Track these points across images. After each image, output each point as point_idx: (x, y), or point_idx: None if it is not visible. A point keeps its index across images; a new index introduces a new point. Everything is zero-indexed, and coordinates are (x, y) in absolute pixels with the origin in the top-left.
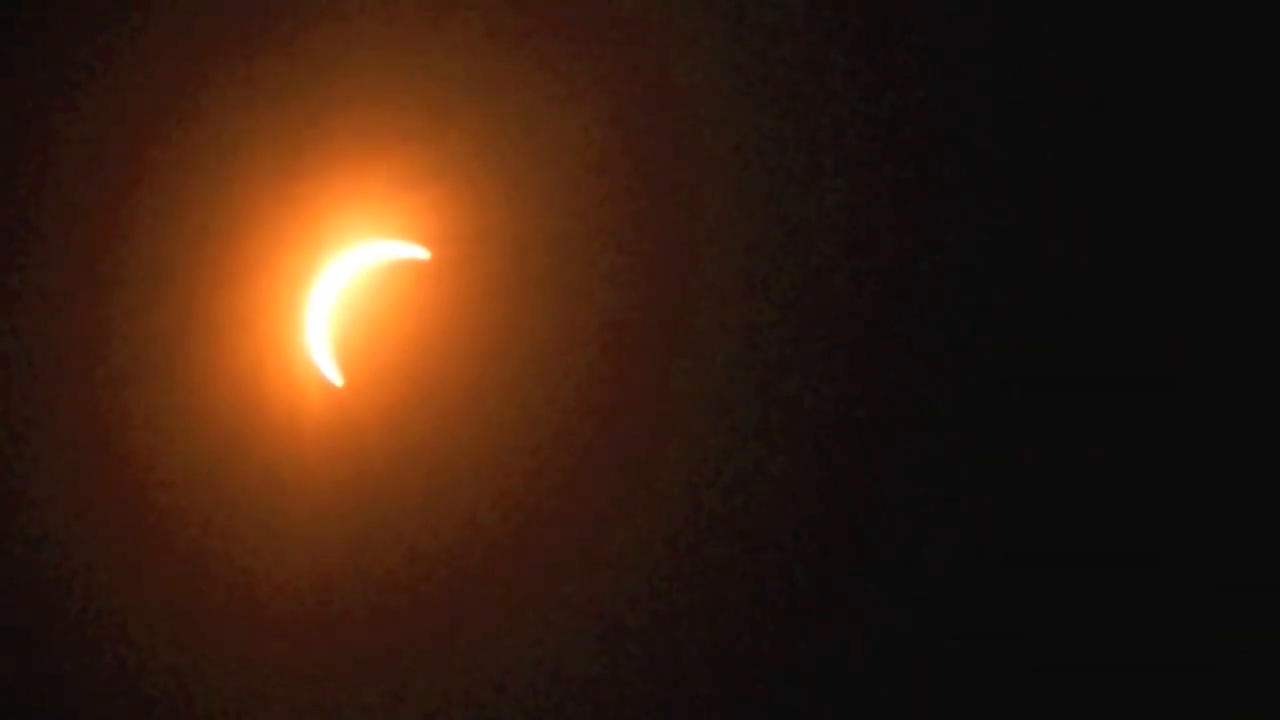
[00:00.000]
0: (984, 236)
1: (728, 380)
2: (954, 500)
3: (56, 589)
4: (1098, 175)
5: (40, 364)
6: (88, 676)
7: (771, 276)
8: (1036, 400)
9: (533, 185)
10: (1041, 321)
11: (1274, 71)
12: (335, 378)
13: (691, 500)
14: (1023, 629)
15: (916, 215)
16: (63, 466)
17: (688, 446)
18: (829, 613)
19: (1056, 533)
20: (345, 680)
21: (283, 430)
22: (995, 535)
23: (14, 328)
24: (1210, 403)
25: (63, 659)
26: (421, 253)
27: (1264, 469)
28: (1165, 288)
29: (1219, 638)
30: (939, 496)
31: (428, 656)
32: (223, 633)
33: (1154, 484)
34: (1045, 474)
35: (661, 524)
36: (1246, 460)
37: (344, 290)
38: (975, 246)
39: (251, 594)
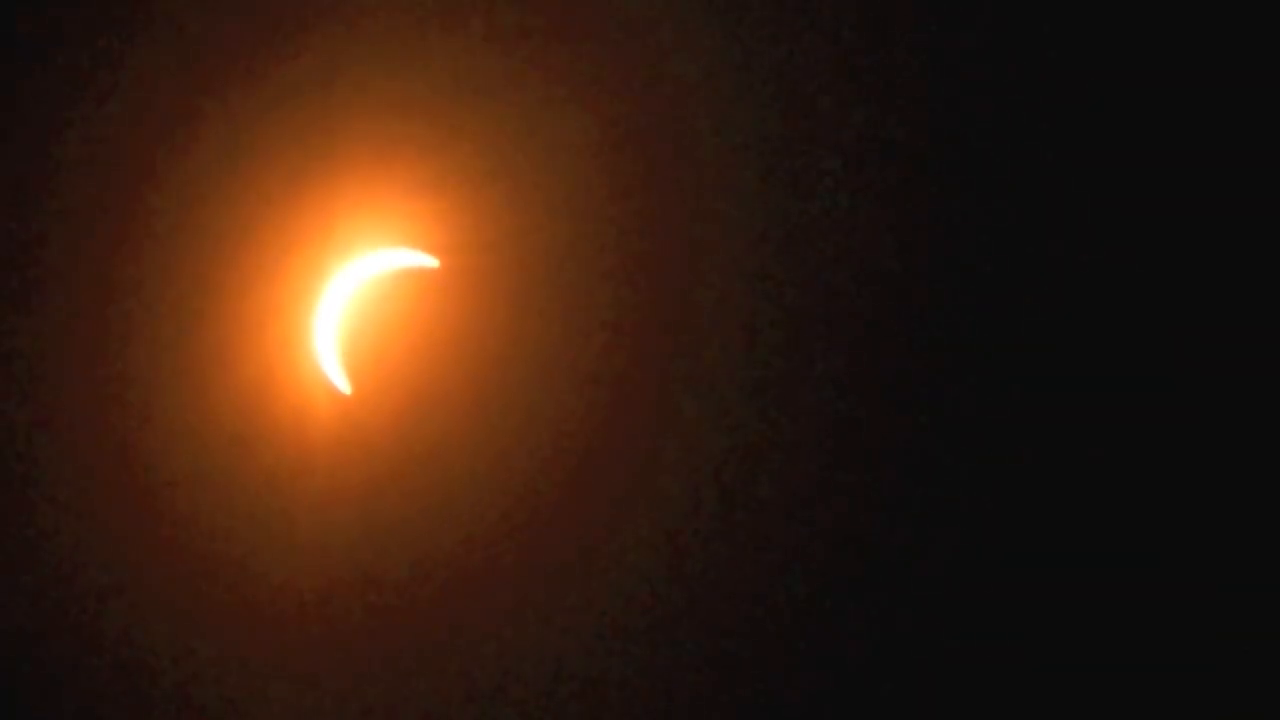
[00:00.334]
0: (984, 236)
1: (736, 388)
2: (954, 500)
3: (65, 592)
4: (1098, 175)
5: (50, 369)
6: (95, 678)
7: (781, 283)
8: (1036, 400)
9: (541, 194)
10: (1042, 321)
11: (1274, 71)
12: (343, 385)
13: (698, 506)
14: (1023, 629)
15: (917, 215)
16: (73, 471)
17: (695, 454)
18: (831, 613)
19: (1056, 533)
20: (352, 684)
21: (290, 437)
22: (995, 535)
23: (24, 332)
24: (1210, 403)
25: (70, 661)
26: (430, 261)
27: (1264, 469)
28: (1165, 288)
29: (1219, 638)
30: (939, 497)
31: (434, 661)
32: (231, 637)
33: (1154, 484)
34: (1045, 474)
35: (668, 529)
36: (1246, 460)
37: (352, 298)
38: (975, 246)
39: (259, 599)
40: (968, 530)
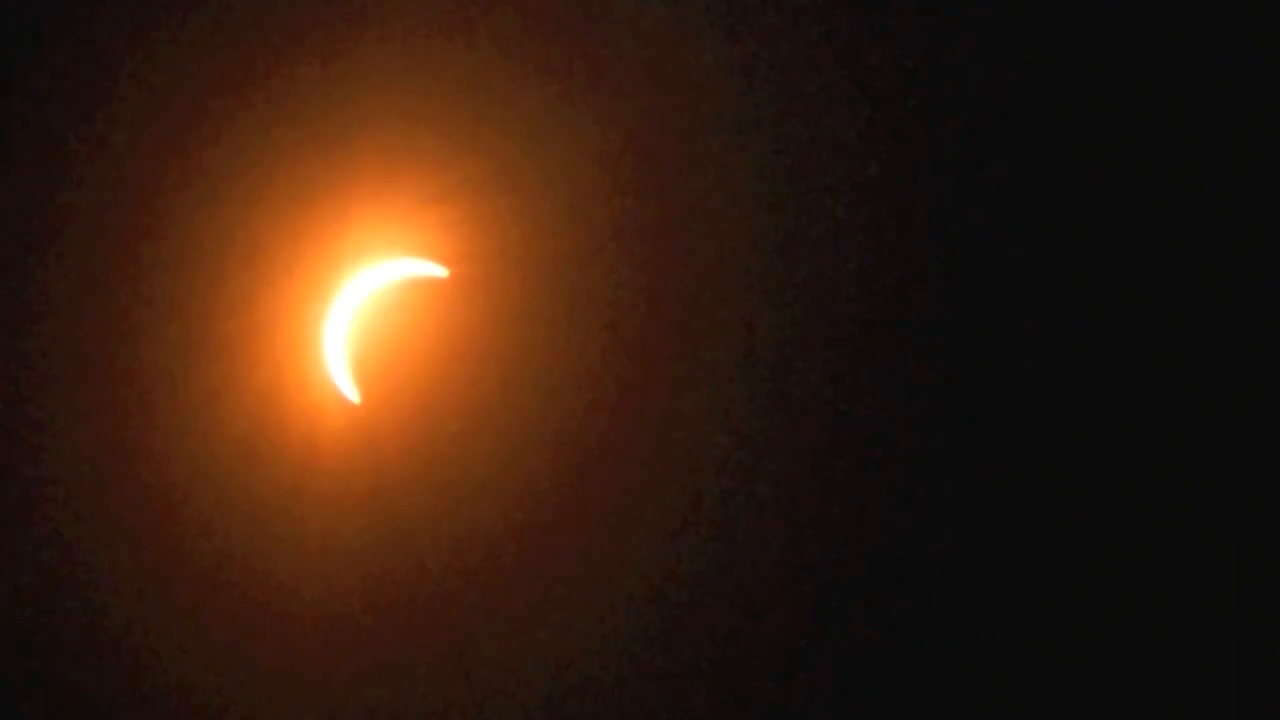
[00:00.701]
0: (985, 236)
1: (747, 397)
2: (955, 500)
3: (74, 596)
4: (1100, 175)
5: (60, 376)
6: (105, 683)
7: (792, 292)
8: (1037, 400)
9: (550, 204)
10: (1043, 321)
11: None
12: (352, 394)
13: (704, 513)
14: (1023, 629)
15: (918, 216)
16: (82, 477)
17: (704, 463)
18: (833, 613)
19: (1056, 533)
20: (360, 689)
21: (299, 446)
22: (996, 535)
23: (33, 338)
24: (1211, 402)
25: (81, 665)
26: (439, 270)
27: (1264, 469)
28: (1166, 288)
29: (1219, 637)
30: (940, 497)
31: (441, 665)
32: (240, 643)
33: (1154, 484)
34: (1046, 474)
35: (674, 534)
36: (1247, 460)
37: (361, 307)
38: (976, 246)
39: (268, 605)
40: (968, 530)
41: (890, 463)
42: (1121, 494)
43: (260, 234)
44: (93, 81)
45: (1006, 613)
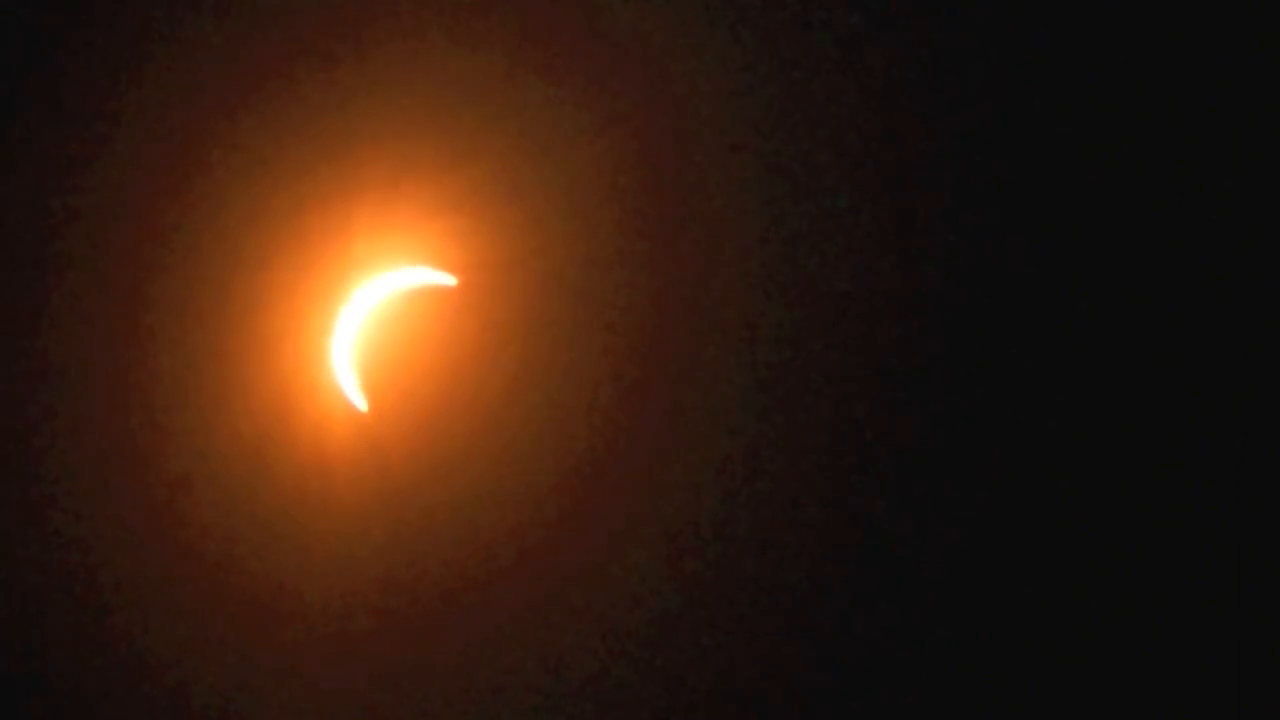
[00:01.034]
0: (985, 236)
1: (756, 404)
2: (955, 500)
3: (87, 602)
4: (1099, 175)
5: (71, 385)
6: (112, 685)
7: (801, 299)
8: (1037, 400)
9: (558, 213)
10: (1043, 321)
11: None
12: (360, 402)
13: (711, 521)
14: (1023, 629)
15: (919, 217)
16: (94, 484)
17: (714, 470)
18: (835, 615)
19: (1056, 533)
20: (366, 693)
21: (308, 453)
22: (996, 535)
23: (44, 347)
24: (1210, 402)
25: (88, 668)
26: (447, 279)
27: (1264, 469)
28: (1165, 288)
29: (1219, 637)
30: (940, 497)
31: (448, 670)
32: (247, 647)
33: (1154, 483)
34: (1046, 474)
35: (680, 540)
36: (1247, 460)
37: (370, 316)
38: (976, 246)
39: (277, 612)
40: (969, 530)
41: (890, 462)
42: (1121, 494)
43: (269, 243)
44: (102, 92)
45: (1006, 612)
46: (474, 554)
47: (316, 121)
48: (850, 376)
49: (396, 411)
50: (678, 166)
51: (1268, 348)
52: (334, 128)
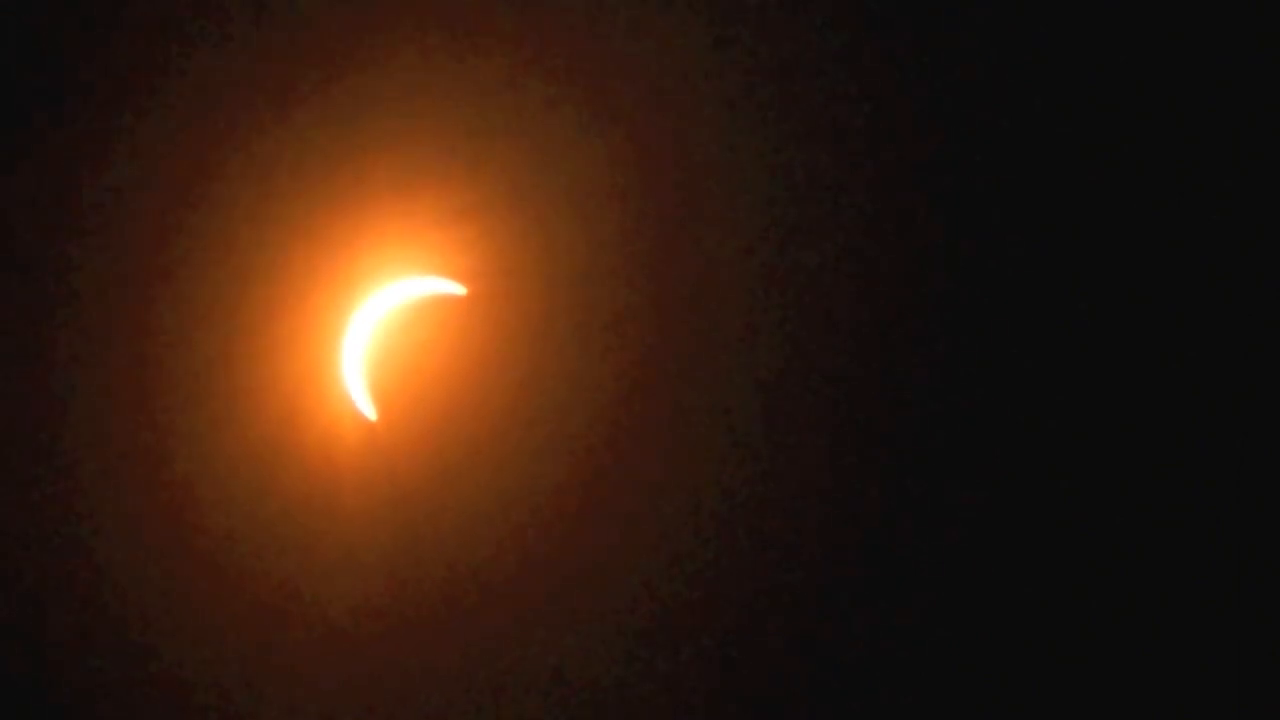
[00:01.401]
0: (985, 236)
1: (762, 410)
2: (955, 500)
3: (98, 607)
4: (1099, 175)
5: (82, 392)
6: (120, 687)
7: (810, 307)
8: (1037, 400)
9: (566, 222)
10: (1043, 321)
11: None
12: (369, 411)
13: (717, 529)
14: (1023, 629)
15: (920, 218)
16: (105, 491)
17: (720, 477)
18: (838, 615)
19: (1057, 533)
20: (373, 696)
21: (317, 461)
22: (996, 535)
23: (56, 355)
24: (1210, 402)
25: (96, 670)
26: (456, 288)
27: (1264, 469)
28: (1165, 289)
29: (1219, 637)
30: (940, 496)
31: (455, 674)
32: (257, 651)
33: (1154, 484)
34: (1045, 474)
35: (685, 546)
36: (1247, 460)
37: (379, 325)
38: (977, 246)
39: (286, 618)
40: (969, 529)
41: (890, 462)
42: (1121, 494)
43: (279, 252)
44: (115, 101)
45: (1006, 612)
46: (481, 560)
47: (327, 131)
48: (850, 376)
49: (405, 420)
50: (688, 177)
51: (1268, 348)
52: (345, 137)
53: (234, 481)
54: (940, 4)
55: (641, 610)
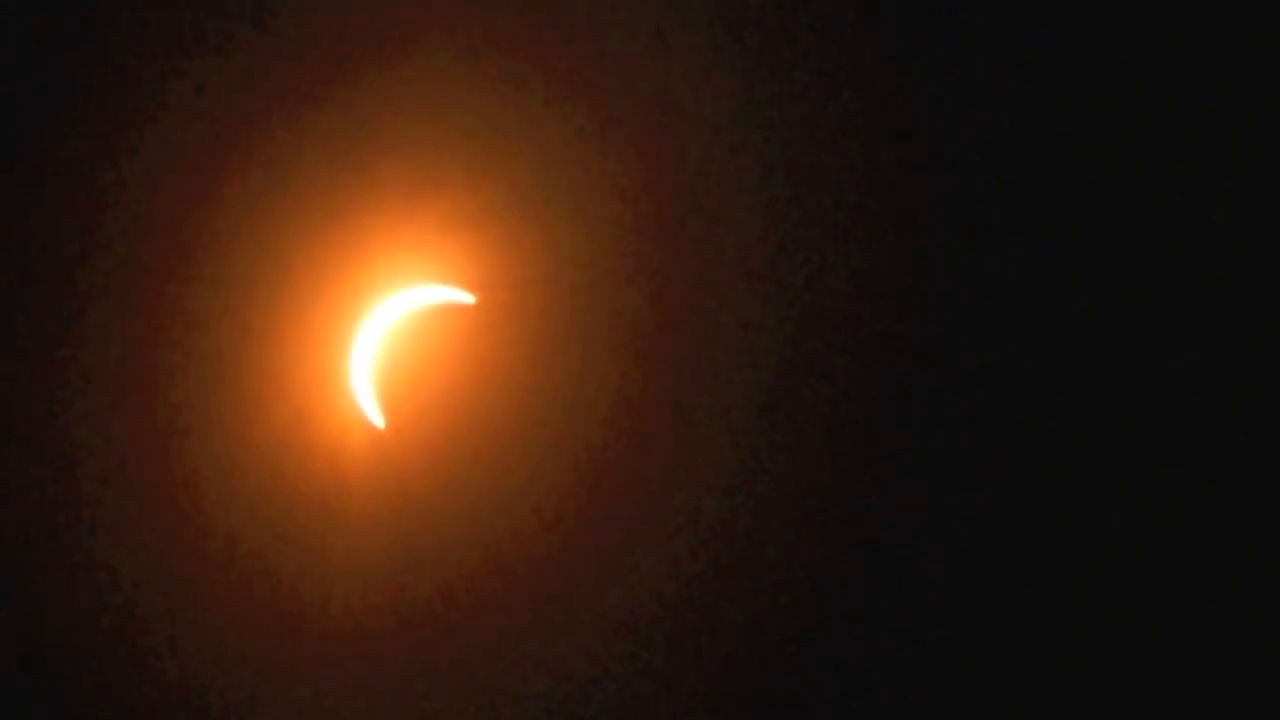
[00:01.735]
0: (985, 236)
1: (771, 421)
2: (955, 500)
3: (108, 614)
4: (1099, 175)
5: (90, 398)
6: (129, 690)
7: (817, 314)
8: (1037, 400)
9: (574, 231)
10: (1042, 321)
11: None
12: (377, 420)
13: (722, 538)
14: (1022, 629)
15: (920, 216)
16: (113, 496)
17: (727, 487)
18: (840, 616)
19: (1056, 533)
20: (382, 707)
21: (325, 469)
22: (995, 535)
23: (64, 362)
24: (1210, 402)
25: (103, 672)
26: (465, 297)
27: (1264, 469)
28: (1165, 288)
29: (1219, 637)
30: (940, 497)
31: (463, 685)
32: (265, 656)
33: (1154, 484)
34: (1045, 474)
35: (694, 556)
36: (1247, 460)
37: (388, 334)
38: (977, 246)
39: (294, 625)
40: (969, 529)
41: (890, 462)
42: (1121, 494)
43: (287, 260)
44: (125, 107)
45: (1006, 612)
46: (488, 569)
47: (336, 139)
48: (850, 376)
49: (413, 428)
50: (698, 185)
51: (1268, 348)
52: (354, 145)
53: (242, 487)
54: (940, 4)
55: (647, 619)
